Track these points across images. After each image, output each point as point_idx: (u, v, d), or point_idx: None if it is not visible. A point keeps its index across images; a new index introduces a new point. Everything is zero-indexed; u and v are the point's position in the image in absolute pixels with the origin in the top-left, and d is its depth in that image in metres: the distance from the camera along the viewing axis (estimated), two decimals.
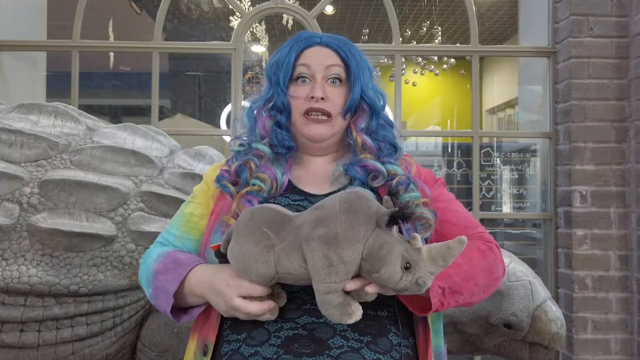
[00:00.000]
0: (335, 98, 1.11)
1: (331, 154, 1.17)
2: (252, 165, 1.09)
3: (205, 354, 1.03)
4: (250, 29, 4.03)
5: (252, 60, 5.66)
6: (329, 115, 1.10)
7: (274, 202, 1.04)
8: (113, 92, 7.06)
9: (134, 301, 1.74)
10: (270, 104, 1.12)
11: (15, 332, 1.62)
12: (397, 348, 0.99)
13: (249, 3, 4.19)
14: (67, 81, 2.89)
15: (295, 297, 1.00)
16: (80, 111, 1.89)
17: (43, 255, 1.60)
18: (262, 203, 1.03)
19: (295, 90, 1.11)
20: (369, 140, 1.11)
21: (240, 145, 1.14)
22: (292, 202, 1.07)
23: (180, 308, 1.07)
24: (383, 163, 1.09)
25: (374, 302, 0.98)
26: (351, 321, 0.89)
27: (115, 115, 7.06)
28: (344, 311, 0.89)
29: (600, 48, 2.75)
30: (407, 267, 0.87)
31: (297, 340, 0.95)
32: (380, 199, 1.00)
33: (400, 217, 0.87)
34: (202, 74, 7.06)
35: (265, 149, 1.11)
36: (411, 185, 1.07)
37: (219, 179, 1.11)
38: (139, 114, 6.19)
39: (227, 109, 5.58)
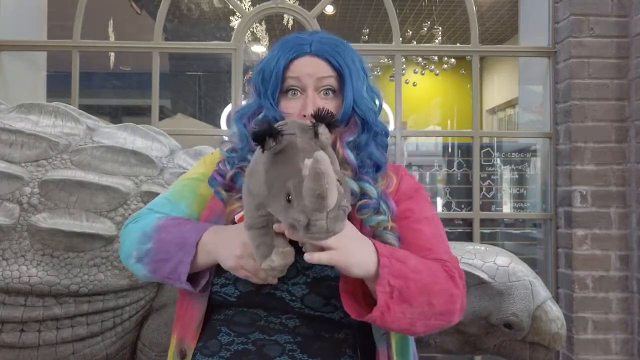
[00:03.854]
0: None
1: None
2: None
3: (183, 358, 1.05)
4: (251, 29, 4.03)
5: (252, 60, 5.66)
6: None
7: None
8: (113, 92, 7.06)
9: (134, 301, 1.74)
10: (260, 116, 1.06)
11: (15, 332, 1.62)
12: None
13: (249, 3, 4.20)
14: (68, 81, 2.89)
15: (252, 313, 1.01)
16: (81, 111, 1.89)
17: (43, 255, 1.60)
18: None
19: (287, 105, 1.04)
20: (350, 157, 1.03)
21: (233, 150, 1.09)
22: None
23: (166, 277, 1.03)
24: (359, 179, 1.02)
25: (332, 324, 0.99)
26: (265, 267, 0.87)
27: (115, 115, 7.06)
28: (259, 253, 0.88)
29: (600, 48, 2.75)
30: (289, 200, 0.80)
31: (245, 355, 0.97)
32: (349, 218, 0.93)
33: (320, 121, 0.86)
34: (203, 74, 7.07)
35: None
36: (382, 207, 1.01)
37: (212, 183, 1.09)
38: (139, 114, 6.19)
39: (228, 109, 5.58)
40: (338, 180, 0.79)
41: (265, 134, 0.83)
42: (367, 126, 1.06)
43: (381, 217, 1.01)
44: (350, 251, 0.86)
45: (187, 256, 0.98)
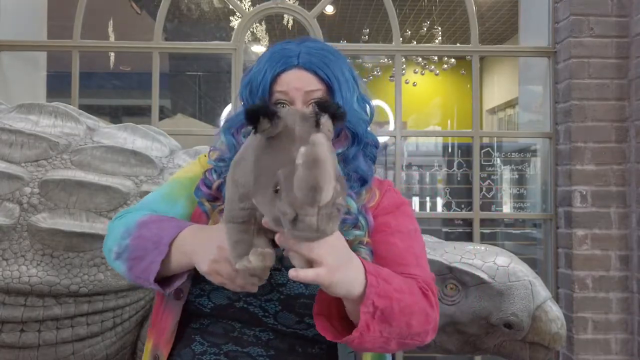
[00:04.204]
0: None
1: None
2: None
3: None
4: (251, 29, 4.03)
5: (252, 60, 5.65)
6: None
7: None
8: (113, 92, 7.06)
9: (134, 301, 1.74)
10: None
11: (15, 332, 1.62)
12: None
13: (249, 3, 4.20)
14: (68, 81, 2.89)
15: (226, 324, 1.00)
16: (81, 111, 1.89)
17: (43, 255, 1.60)
18: None
19: None
20: (338, 170, 1.00)
21: (221, 160, 1.06)
22: None
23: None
24: None
25: (305, 339, 0.98)
26: (240, 267, 0.78)
27: (115, 115, 7.06)
28: (235, 251, 0.80)
29: (600, 48, 2.75)
30: (276, 191, 0.71)
31: None
32: None
33: (324, 110, 0.78)
34: (203, 74, 7.06)
35: None
36: (360, 222, 0.99)
37: (196, 194, 1.06)
38: (139, 114, 6.19)
39: (228, 109, 5.58)
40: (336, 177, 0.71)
41: (260, 113, 0.75)
42: (357, 139, 1.03)
43: (358, 232, 0.99)
44: (338, 269, 0.79)
45: (159, 255, 0.92)
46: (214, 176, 1.05)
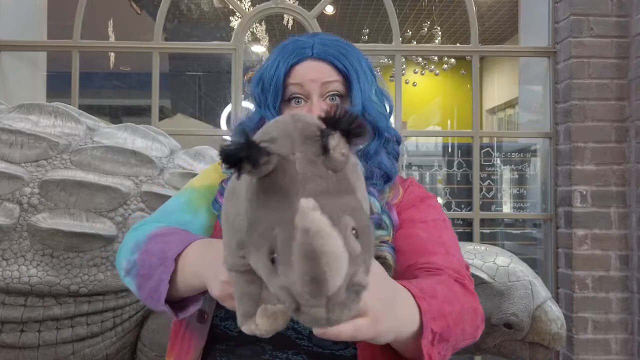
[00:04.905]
0: None
1: None
2: None
3: None
4: (251, 29, 4.03)
5: (252, 61, 5.66)
6: None
7: None
8: (113, 92, 7.06)
9: (135, 301, 1.74)
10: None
11: (15, 332, 1.62)
12: None
13: (249, 3, 4.19)
14: (67, 81, 2.89)
15: (256, 345, 0.91)
16: (81, 111, 1.89)
17: (43, 255, 1.60)
18: None
19: None
20: None
21: None
22: None
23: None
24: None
25: (345, 358, 0.87)
26: (247, 331, 0.63)
27: (115, 115, 7.06)
28: (241, 308, 0.64)
29: (600, 48, 2.75)
30: (272, 260, 0.54)
31: None
32: None
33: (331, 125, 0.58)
34: (203, 74, 7.06)
35: None
36: (384, 221, 0.93)
37: (214, 206, 0.99)
38: (139, 114, 6.18)
39: (228, 109, 5.58)
40: (354, 230, 0.53)
41: (239, 155, 0.54)
42: (378, 133, 0.97)
43: (381, 232, 0.92)
44: (384, 313, 0.62)
45: (165, 273, 0.81)
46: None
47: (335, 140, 0.57)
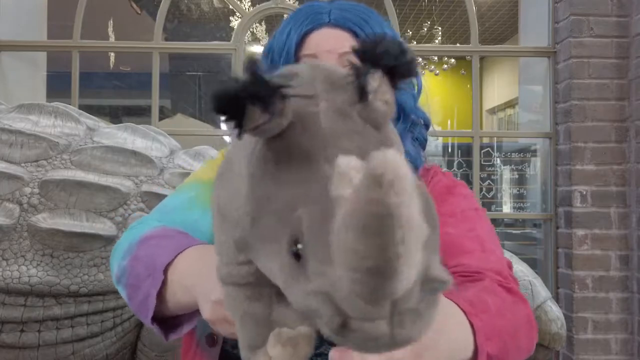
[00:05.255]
0: None
1: None
2: None
3: None
4: (251, 29, 4.02)
5: None
6: None
7: None
8: (113, 92, 7.06)
9: None
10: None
11: (15, 332, 1.62)
12: None
13: (249, 3, 4.19)
14: (67, 81, 2.89)
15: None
16: (81, 111, 1.89)
17: (43, 255, 1.60)
18: None
19: None
20: None
21: None
22: None
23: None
24: None
25: None
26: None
27: (115, 115, 7.06)
28: (244, 333, 0.47)
29: (600, 48, 2.75)
30: (297, 256, 0.37)
31: None
32: None
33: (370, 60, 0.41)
34: (202, 74, 7.06)
35: None
36: None
37: None
38: (139, 114, 6.18)
39: None
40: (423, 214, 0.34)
41: (245, 95, 0.37)
42: (403, 114, 0.83)
43: None
44: (431, 342, 0.48)
45: (152, 287, 0.67)
46: None
47: (377, 82, 0.41)
